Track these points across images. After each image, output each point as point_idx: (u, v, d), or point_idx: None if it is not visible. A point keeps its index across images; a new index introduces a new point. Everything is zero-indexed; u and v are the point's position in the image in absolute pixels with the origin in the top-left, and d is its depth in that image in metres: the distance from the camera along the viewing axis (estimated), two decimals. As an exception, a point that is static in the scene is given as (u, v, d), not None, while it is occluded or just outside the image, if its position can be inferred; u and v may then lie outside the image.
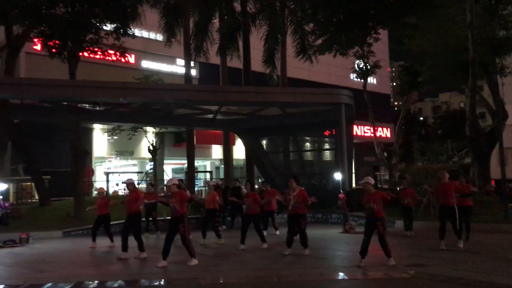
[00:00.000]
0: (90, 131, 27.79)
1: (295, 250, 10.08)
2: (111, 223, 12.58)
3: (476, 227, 11.44)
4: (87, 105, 17.17)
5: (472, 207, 11.47)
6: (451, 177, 11.11)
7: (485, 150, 18.85)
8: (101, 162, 30.54)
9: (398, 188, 14.85)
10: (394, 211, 14.05)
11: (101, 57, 19.00)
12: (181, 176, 27.93)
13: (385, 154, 24.96)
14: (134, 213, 10.29)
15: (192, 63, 23.55)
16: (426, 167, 33.00)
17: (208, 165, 35.81)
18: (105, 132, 27.49)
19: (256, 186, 18.53)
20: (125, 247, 10.10)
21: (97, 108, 17.48)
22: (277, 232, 13.70)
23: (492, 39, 18.95)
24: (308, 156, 22.22)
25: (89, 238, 12.59)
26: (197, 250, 9.52)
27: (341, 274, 7.99)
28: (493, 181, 20.35)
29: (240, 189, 15.58)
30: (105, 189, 25.39)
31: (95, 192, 21.22)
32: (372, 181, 9.02)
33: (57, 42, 17.01)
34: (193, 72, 27.20)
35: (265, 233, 13.56)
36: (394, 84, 66.84)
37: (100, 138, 28.55)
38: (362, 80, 23.84)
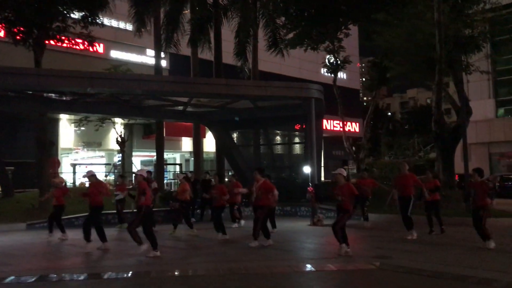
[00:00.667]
0: (56, 121, 27.14)
1: (262, 242, 10.18)
2: (74, 216, 12.35)
3: (439, 220, 11.82)
4: (53, 94, 16.71)
5: (440, 201, 11.91)
6: (418, 172, 11.43)
7: (449, 146, 19.33)
8: (68, 153, 29.91)
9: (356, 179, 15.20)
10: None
11: (69, 46, 18.50)
12: (150, 168, 27.67)
13: (354, 148, 25.27)
14: (96, 205, 10.19)
15: (162, 54, 23.24)
16: (393, 161, 33.75)
17: (177, 157, 35.55)
18: (72, 122, 26.92)
19: (226, 179, 18.52)
20: (88, 238, 10.05)
21: (64, 98, 17.03)
22: (236, 225, 13.82)
23: (458, 37, 19.39)
24: (278, 149, 22.33)
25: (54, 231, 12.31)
26: (168, 243, 9.44)
27: (308, 266, 8.10)
28: (456, 175, 20.91)
29: (210, 182, 15.54)
30: (71, 180, 25.11)
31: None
32: (345, 173, 9.29)
33: (21, 29, 16.47)
34: (164, 63, 26.87)
35: (236, 225, 13.70)
36: (364, 79, 67.76)
37: (67, 129, 27.93)
38: (332, 75, 24.03)
